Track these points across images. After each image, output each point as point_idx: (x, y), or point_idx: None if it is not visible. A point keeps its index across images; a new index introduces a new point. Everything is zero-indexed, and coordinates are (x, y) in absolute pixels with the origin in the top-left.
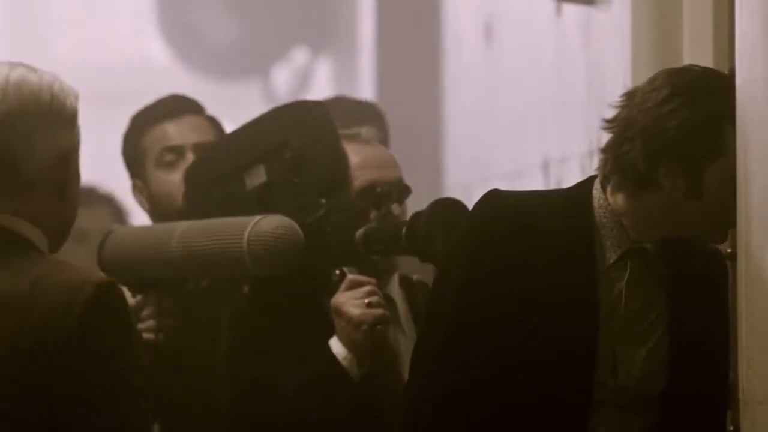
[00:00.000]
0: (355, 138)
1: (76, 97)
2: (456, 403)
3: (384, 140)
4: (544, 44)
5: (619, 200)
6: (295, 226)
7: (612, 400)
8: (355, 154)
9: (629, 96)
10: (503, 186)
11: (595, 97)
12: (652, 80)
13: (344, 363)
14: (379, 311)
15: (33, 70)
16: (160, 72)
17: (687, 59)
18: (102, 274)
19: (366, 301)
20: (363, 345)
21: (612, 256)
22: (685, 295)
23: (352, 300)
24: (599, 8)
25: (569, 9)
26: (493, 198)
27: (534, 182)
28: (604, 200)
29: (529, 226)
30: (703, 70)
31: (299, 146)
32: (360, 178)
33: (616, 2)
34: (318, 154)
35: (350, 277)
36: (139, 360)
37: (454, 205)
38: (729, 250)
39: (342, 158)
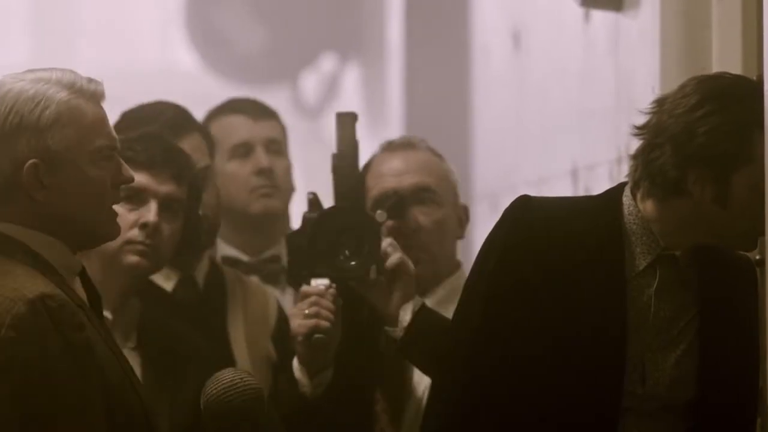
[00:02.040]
0: (386, 147)
1: (52, 105)
2: (486, 411)
3: (284, 141)
4: (572, 51)
5: (648, 207)
6: (250, 381)
7: (640, 407)
8: (380, 163)
9: (659, 102)
10: (531, 193)
11: (624, 104)
12: (682, 87)
13: (297, 374)
14: (311, 321)
15: (20, 80)
16: (188, 78)
17: (716, 66)
18: (38, 290)
19: (306, 311)
20: (304, 355)
21: (641, 263)
22: (714, 303)
23: (296, 311)
24: (628, 15)
25: (597, 16)
26: (523, 204)
27: (562, 189)
28: (634, 207)
29: (559, 232)
30: (733, 77)
31: (334, 159)
32: (377, 186)
33: (644, 9)
34: (336, 166)
35: (302, 288)
36: (79, 378)
37: (348, 211)
38: (758, 257)
39: (351, 170)
